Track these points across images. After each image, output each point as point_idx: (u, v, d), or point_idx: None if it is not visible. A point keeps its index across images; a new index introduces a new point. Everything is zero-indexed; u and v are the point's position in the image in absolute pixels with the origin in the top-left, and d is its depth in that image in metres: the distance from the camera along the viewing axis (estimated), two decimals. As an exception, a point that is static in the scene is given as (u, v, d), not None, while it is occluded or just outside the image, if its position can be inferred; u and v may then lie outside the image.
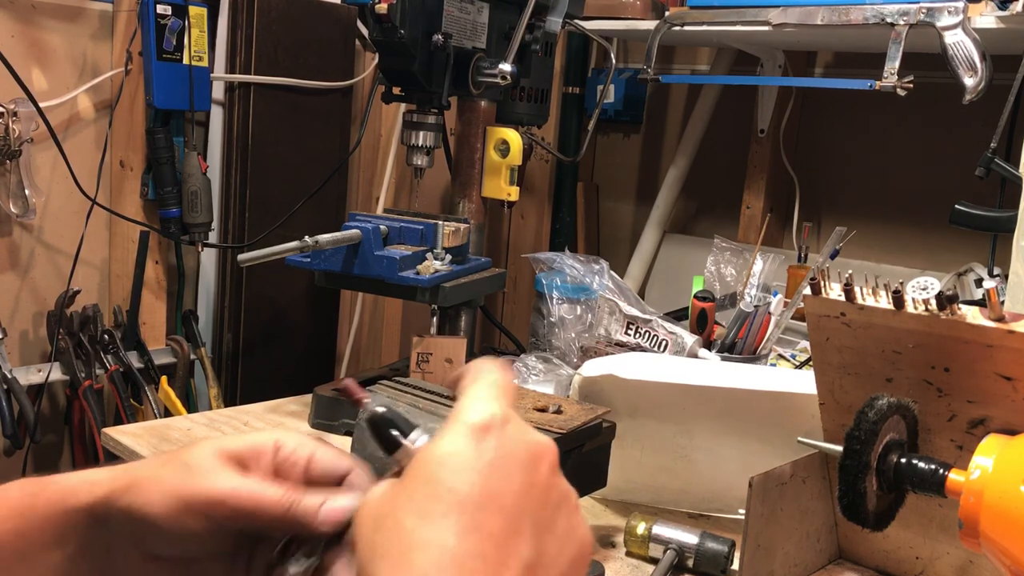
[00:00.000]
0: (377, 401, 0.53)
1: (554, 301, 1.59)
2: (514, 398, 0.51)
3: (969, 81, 1.47)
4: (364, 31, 1.96)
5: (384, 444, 0.52)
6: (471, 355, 1.60)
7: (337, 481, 0.57)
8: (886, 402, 0.86)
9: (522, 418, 0.50)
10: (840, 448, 0.86)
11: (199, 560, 0.58)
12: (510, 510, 0.46)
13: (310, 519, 0.54)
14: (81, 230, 1.73)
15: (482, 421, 0.48)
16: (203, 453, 0.57)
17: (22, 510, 0.58)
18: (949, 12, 1.47)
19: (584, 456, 1.05)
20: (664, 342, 1.47)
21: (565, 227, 2.35)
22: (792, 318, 1.52)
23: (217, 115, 1.84)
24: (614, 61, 1.91)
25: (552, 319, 1.59)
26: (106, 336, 1.77)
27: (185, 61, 1.72)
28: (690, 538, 1.08)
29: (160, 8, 1.68)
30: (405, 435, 0.52)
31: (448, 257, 1.43)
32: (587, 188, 2.40)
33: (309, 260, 1.40)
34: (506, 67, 1.54)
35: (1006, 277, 1.21)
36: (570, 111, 2.31)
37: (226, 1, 1.80)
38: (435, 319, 1.47)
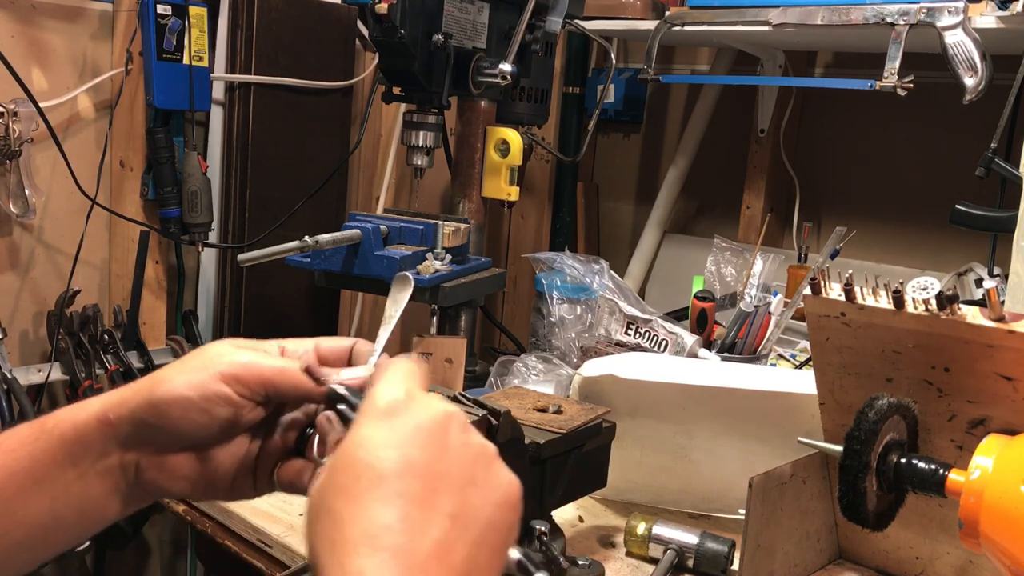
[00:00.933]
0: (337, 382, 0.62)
1: (554, 301, 1.59)
2: (424, 380, 0.57)
3: (969, 81, 1.47)
4: (364, 31, 1.96)
5: (342, 420, 0.60)
6: (471, 355, 1.60)
7: (345, 364, 0.66)
8: (886, 402, 0.86)
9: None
10: (840, 448, 0.86)
11: (217, 448, 0.63)
12: (425, 473, 0.50)
13: (329, 383, 0.62)
14: (81, 230, 1.73)
15: (389, 403, 0.54)
16: (218, 345, 0.63)
17: (34, 435, 0.62)
18: (949, 12, 1.47)
19: (584, 456, 1.05)
20: (664, 342, 1.47)
21: (565, 227, 2.35)
22: (792, 318, 1.52)
23: (217, 115, 1.84)
24: (614, 61, 1.91)
25: (552, 319, 1.59)
26: (106, 336, 1.77)
27: (185, 61, 1.72)
28: (690, 538, 1.08)
29: (160, 8, 1.68)
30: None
31: (448, 257, 1.43)
32: (587, 188, 2.40)
33: (309, 260, 1.40)
34: (506, 67, 1.54)
35: (1006, 277, 1.21)
36: (570, 111, 2.31)
37: (226, 1, 1.80)
38: (435, 319, 1.47)
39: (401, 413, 0.53)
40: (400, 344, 2.25)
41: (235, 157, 1.83)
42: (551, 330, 1.59)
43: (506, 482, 0.54)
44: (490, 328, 2.24)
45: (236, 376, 0.61)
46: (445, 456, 0.52)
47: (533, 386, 1.43)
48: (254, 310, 1.89)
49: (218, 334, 1.90)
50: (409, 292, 0.70)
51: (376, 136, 2.11)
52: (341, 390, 0.61)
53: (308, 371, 0.62)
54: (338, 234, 1.36)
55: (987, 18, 1.48)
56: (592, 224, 2.43)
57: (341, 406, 0.60)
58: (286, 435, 0.66)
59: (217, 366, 0.61)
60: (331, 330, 2.06)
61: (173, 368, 0.62)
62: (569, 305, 1.59)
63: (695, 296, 1.55)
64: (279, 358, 0.63)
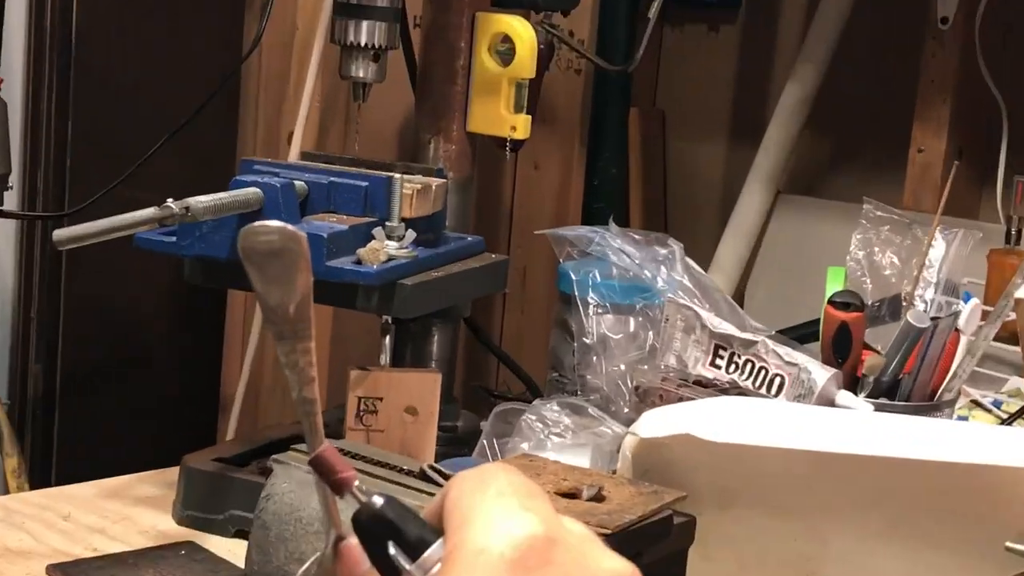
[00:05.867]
0: (376, 490, 0.52)
1: (591, 310, 1.59)
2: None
3: None
4: None
5: (379, 565, 0.51)
6: (450, 401, 1.60)
7: None
8: None
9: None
10: (1080, 560, 0.86)
11: None
12: None
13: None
14: None
15: (518, 547, 0.46)
16: None
17: None
18: None
19: (645, 571, 1.05)
20: (777, 379, 1.47)
21: (608, 184, 2.35)
22: (996, 339, 1.51)
23: (18, -5, 1.84)
24: (692, -98, 1.91)
25: (587, 340, 1.59)
26: None
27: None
28: None
29: None
30: (412, 555, 0.50)
31: (410, 235, 1.42)
32: (646, 119, 2.41)
33: (175, 240, 1.40)
34: (509, -88, 1.54)
35: None
36: (617, -11, 2.33)
37: None
38: (387, 339, 1.47)
39: (541, 570, 0.46)
40: (329, 380, 2.25)
41: (47, 66, 1.83)
42: (585, 358, 1.59)
43: None
44: (481, 355, 2.24)
45: None
46: None
47: (556, 454, 1.43)
48: (82, 324, 1.89)
49: (19, 366, 1.89)
50: (296, 252, 0.54)
51: (289, 31, 2.11)
52: (385, 508, 0.51)
53: (317, 462, 0.54)
54: (223, 195, 1.36)
55: None
56: (655, 180, 2.43)
57: (391, 548, 0.50)
58: None
59: None
60: (212, 360, 2.07)
61: None
62: (616, 317, 1.59)
63: (830, 301, 1.55)
64: None
